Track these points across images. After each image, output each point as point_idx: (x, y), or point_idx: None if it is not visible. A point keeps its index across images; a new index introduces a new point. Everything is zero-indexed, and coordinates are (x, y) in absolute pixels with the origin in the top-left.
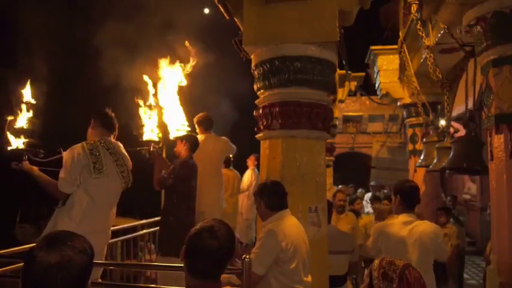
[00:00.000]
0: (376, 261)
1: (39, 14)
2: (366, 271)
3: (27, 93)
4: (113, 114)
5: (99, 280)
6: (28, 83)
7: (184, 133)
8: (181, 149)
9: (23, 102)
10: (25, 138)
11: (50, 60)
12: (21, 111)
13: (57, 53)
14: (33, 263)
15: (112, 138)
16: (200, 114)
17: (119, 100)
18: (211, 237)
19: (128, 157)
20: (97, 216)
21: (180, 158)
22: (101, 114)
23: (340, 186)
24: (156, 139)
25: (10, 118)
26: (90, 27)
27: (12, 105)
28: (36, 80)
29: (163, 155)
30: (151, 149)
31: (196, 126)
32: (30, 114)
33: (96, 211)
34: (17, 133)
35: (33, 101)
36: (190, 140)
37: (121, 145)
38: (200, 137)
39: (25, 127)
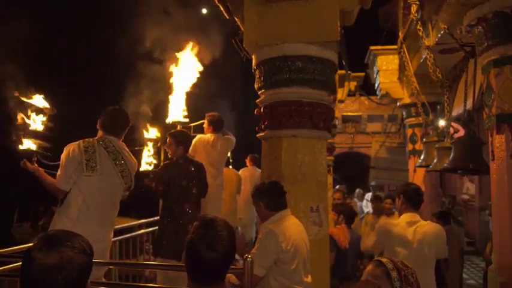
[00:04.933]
0: (386, 260)
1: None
2: (374, 269)
3: (39, 100)
4: (118, 115)
5: (103, 279)
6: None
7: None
8: (171, 149)
9: (38, 107)
10: (37, 140)
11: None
12: (36, 114)
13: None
14: (31, 265)
15: (116, 138)
16: (212, 113)
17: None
18: (209, 249)
19: (133, 159)
20: (93, 215)
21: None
22: (103, 115)
23: (338, 186)
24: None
25: (21, 116)
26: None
27: (26, 106)
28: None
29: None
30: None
31: (206, 124)
32: (44, 118)
33: (91, 209)
34: (31, 135)
35: (47, 106)
36: (179, 139)
37: (125, 147)
38: (210, 136)
39: (39, 130)
